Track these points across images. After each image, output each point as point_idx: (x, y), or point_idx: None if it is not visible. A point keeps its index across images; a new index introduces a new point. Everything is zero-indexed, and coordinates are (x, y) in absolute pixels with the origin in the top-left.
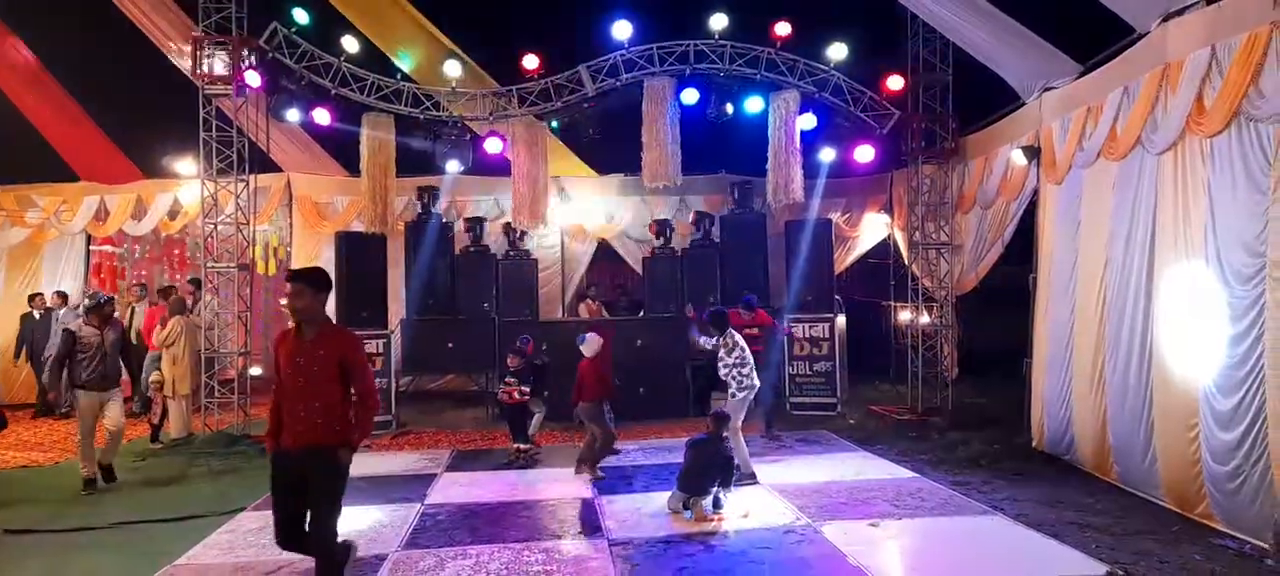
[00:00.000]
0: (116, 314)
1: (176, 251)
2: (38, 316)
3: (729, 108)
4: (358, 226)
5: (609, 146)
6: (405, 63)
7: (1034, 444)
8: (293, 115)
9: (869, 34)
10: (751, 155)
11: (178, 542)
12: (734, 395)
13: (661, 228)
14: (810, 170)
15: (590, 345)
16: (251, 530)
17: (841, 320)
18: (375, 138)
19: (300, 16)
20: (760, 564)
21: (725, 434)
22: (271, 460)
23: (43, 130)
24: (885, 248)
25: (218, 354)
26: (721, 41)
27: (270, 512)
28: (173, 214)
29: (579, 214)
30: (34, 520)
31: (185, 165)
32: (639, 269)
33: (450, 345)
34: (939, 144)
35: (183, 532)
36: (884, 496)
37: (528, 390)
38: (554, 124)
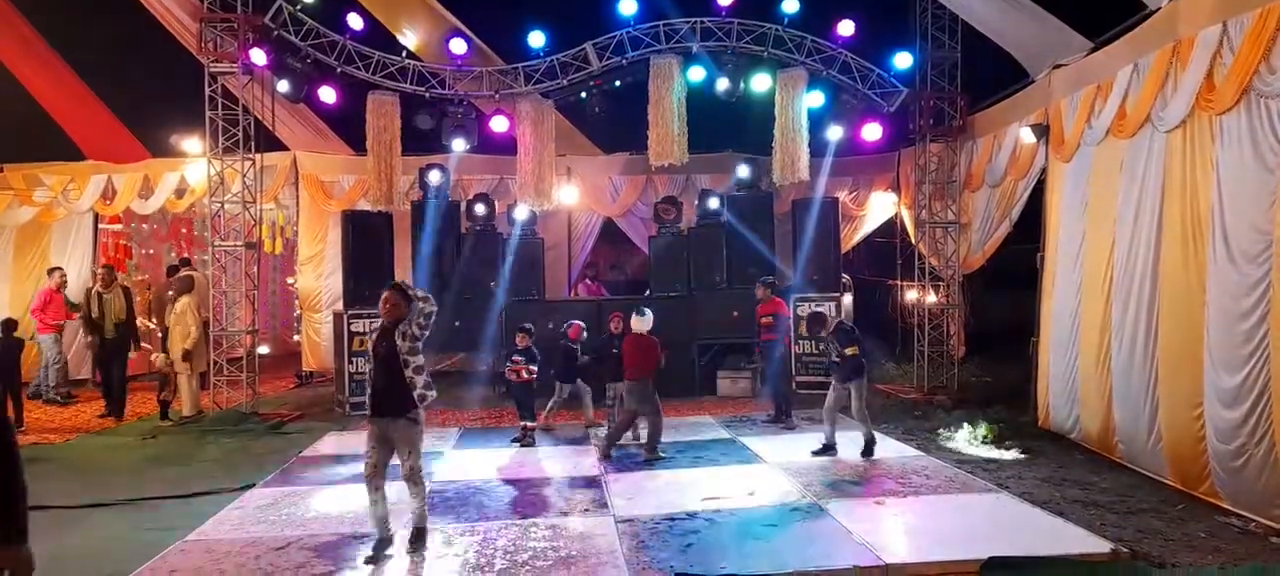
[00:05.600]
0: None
1: (184, 230)
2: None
3: (727, 84)
4: (364, 205)
5: (615, 125)
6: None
7: (1039, 422)
8: (297, 93)
9: (877, 11)
10: (758, 133)
11: (188, 519)
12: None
13: (668, 206)
14: (817, 148)
15: (648, 320)
16: (261, 506)
17: (848, 299)
18: (381, 116)
19: None
20: (765, 540)
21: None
22: None
23: (50, 109)
24: (892, 226)
25: (226, 332)
26: (728, 19)
27: (279, 489)
28: (180, 193)
29: (585, 193)
30: (45, 497)
31: (192, 144)
32: (645, 248)
33: (457, 324)
34: (947, 122)
35: (193, 509)
36: (889, 474)
37: (535, 369)
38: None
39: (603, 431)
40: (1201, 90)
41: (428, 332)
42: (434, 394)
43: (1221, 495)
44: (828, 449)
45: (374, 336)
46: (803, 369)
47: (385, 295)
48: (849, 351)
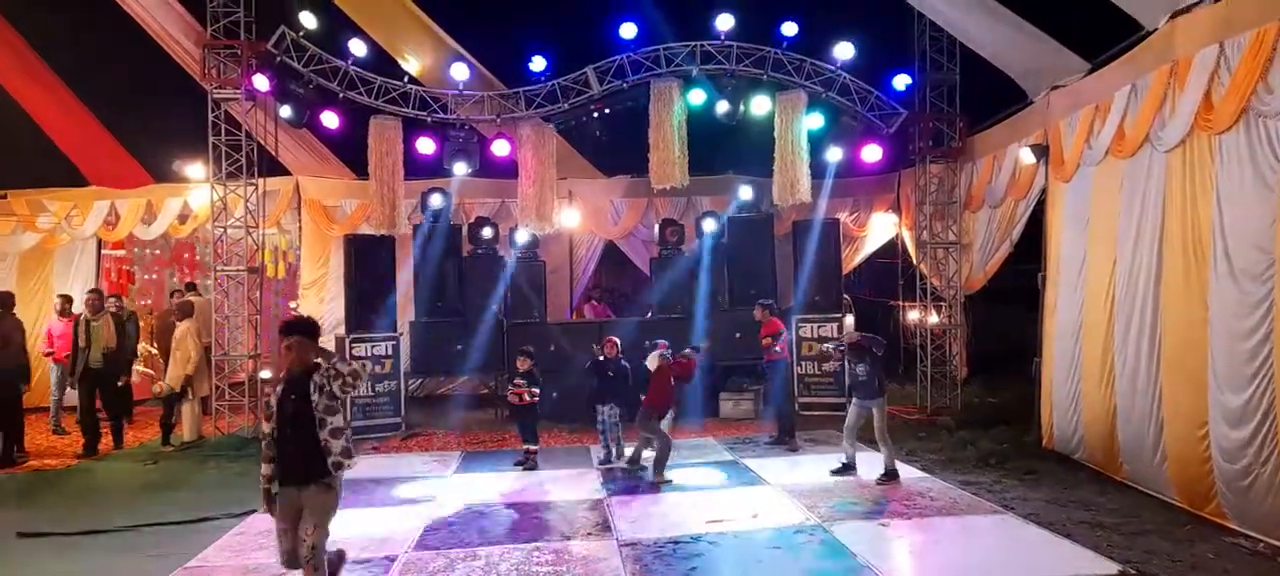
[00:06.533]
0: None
1: (186, 255)
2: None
3: (727, 106)
4: (366, 229)
5: (616, 148)
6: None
7: (1043, 443)
8: (300, 118)
9: (876, 33)
10: (759, 155)
11: (189, 544)
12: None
13: (669, 228)
14: (817, 170)
15: (651, 360)
16: (262, 532)
17: (850, 320)
18: (383, 140)
19: (308, 20)
20: (769, 563)
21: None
22: None
23: (53, 135)
24: (893, 247)
25: (228, 357)
26: (728, 42)
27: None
28: (182, 218)
29: (586, 216)
30: (46, 523)
31: (195, 169)
32: (646, 270)
33: (459, 347)
34: (946, 143)
35: (194, 534)
36: (893, 496)
37: (537, 392)
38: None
39: (599, 453)
40: (1200, 110)
41: (349, 394)
42: (352, 461)
43: (1228, 515)
44: (847, 468)
45: (279, 391)
46: (806, 390)
47: (287, 341)
48: (876, 350)
